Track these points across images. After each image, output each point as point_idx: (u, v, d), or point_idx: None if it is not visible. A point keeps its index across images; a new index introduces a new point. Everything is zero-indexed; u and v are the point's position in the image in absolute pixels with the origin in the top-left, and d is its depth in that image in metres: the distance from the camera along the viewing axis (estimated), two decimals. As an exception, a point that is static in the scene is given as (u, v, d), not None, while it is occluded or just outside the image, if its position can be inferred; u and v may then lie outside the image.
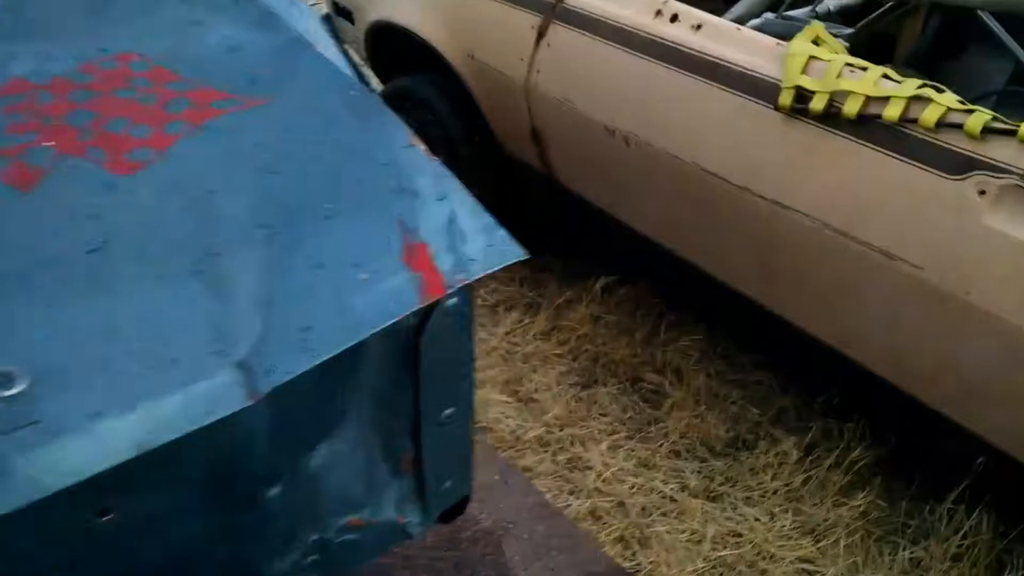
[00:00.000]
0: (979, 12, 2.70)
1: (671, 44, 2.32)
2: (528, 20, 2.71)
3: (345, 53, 1.33)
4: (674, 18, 2.35)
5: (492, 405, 2.62)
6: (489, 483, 1.95)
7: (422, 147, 1.05)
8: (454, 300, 1.01)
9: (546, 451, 2.48)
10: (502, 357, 2.85)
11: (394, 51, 3.40)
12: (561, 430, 2.55)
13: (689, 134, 2.31)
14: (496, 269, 1.02)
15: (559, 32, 2.62)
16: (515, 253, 1.02)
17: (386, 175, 1.01)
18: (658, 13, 2.38)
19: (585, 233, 3.07)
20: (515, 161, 3.11)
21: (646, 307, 3.03)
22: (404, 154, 1.04)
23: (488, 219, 1.03)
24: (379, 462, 1.11)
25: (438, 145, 3.44)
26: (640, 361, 2.82)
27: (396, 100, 3.43)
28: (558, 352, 2.88)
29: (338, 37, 1.36)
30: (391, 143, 1.05)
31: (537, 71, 2.71)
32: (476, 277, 1.00)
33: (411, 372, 1.04)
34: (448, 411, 1.12)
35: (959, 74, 3.06)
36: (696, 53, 2.27)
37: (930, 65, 3.08)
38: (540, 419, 2.58)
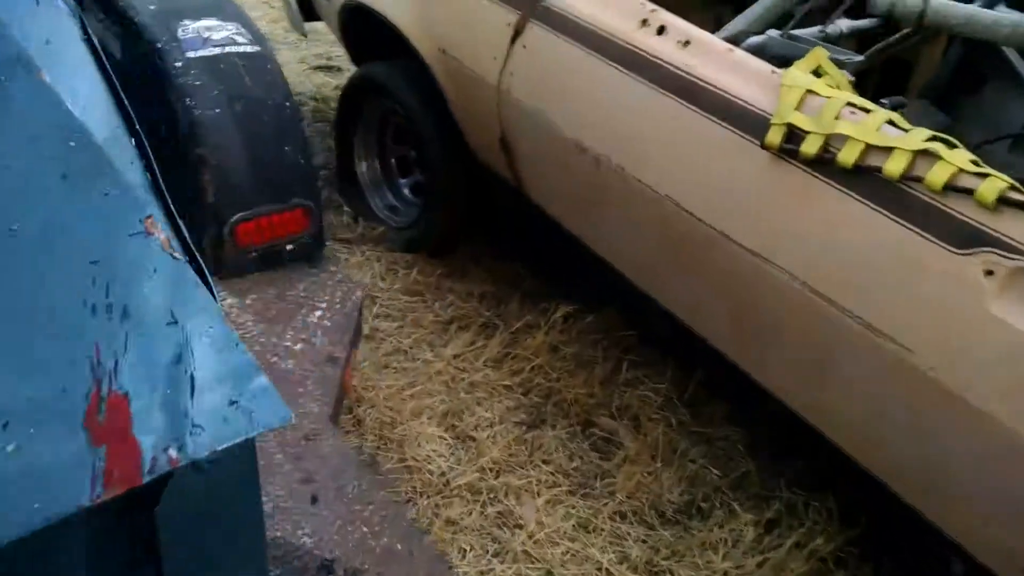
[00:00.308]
0: (1003, 47, 2.45)
1: (654, 59, 2.04)
2: (504, 16, 2.42)
3: (110, 78, 0.96)
4: (661, 30, 2.07)
5: (425, 441, 2.35)
6: (390, 551, 1.67)
7: (161, 236, 0.66)
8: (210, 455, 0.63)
9: (476, 501, 2.21)
10: (446, 384, 2.58)
11: (367, 34, 3.11)
12: (497, 477, 2.28)
13: (665, 164, 2.04)
14: (236, 442, 0.63)
15: (536, 33, 2.34)
16: (275, 417, 0.64)
17: (89, 279, 0.65)
18: (644, 23, 2.10)
19: (554, 252, 2.80)
20: (484, 167, 2.83)
21: (610, 340, 2.76)
22: (128, 247, 0.66)
23: (242, 357, 0.65)
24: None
25: (406, 140, 3.18)
26: (596, 403, 2.55)
27: (364, 87, 3.16)
28: (507, 383, 2.60)
29: (98, 53, 0.97)
30: (112, 227, 0.66)
31: (511, 74, 2.43)
32: (200, 457, 0.62)
33: (152, 547, 0.73)
34: None
35: (977, 111, 2.80)
36: (680, 72, 1.99)
37: (947, 98, 2.81)
38: (476, 462, 2.31)
